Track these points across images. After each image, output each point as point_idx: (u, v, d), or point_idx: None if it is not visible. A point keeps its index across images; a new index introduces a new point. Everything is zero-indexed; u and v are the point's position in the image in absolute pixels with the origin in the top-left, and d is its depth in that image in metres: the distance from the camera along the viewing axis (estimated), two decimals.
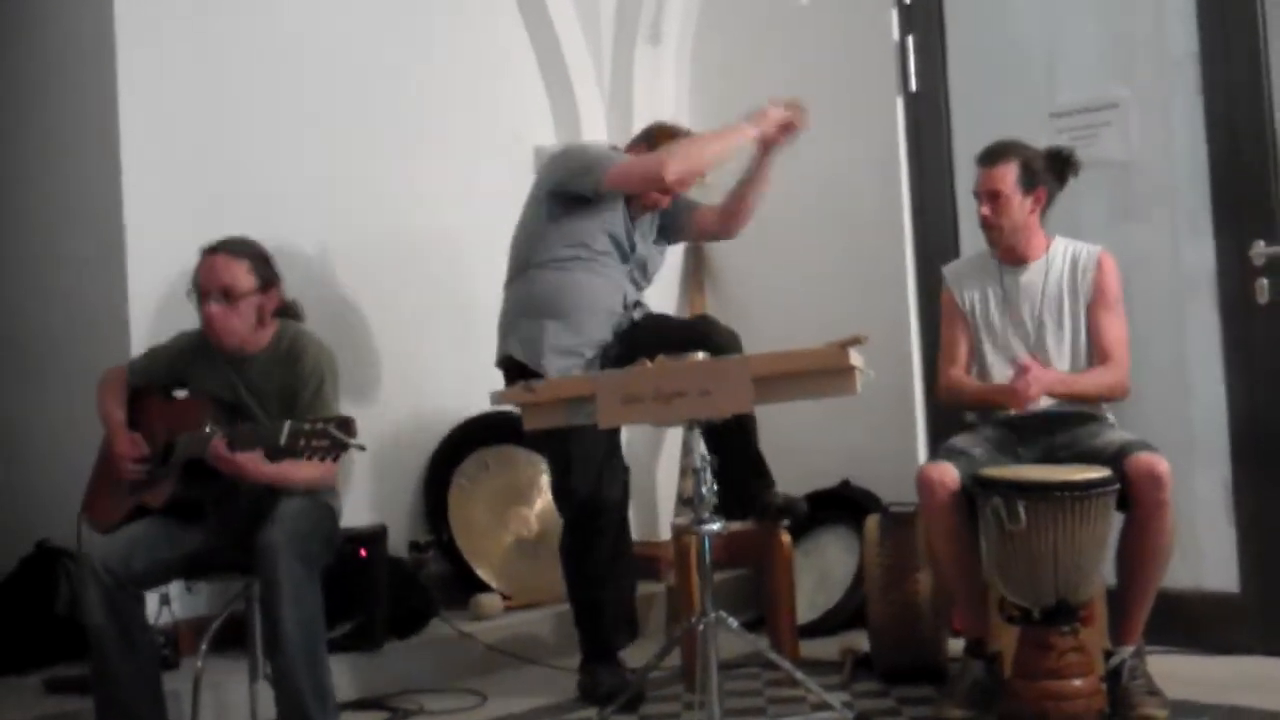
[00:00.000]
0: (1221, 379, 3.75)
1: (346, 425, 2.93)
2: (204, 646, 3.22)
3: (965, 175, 3.94)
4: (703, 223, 3.88)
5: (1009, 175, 3.41)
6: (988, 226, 3.45)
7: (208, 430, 3.10)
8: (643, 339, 3.54)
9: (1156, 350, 3.82)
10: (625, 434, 3.80)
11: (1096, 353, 3.38)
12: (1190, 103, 3.81)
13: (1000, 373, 3.42)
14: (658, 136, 3.76)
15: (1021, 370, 3.27)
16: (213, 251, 3.25)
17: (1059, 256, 3.46)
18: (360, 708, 3.62)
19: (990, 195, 3.41)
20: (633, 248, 3.70)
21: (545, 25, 4.82)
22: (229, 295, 3.20)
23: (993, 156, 3.45)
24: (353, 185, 4.25)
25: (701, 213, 3.87)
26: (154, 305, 3.75)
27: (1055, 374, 3.33)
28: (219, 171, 3.93)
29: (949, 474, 3.22)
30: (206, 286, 3.21)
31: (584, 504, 3.56)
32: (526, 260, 3.66)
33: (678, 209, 3.84)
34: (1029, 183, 3.42)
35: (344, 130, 4.24)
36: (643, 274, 3.79)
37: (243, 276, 3.22)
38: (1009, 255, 3.48)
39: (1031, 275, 3.45)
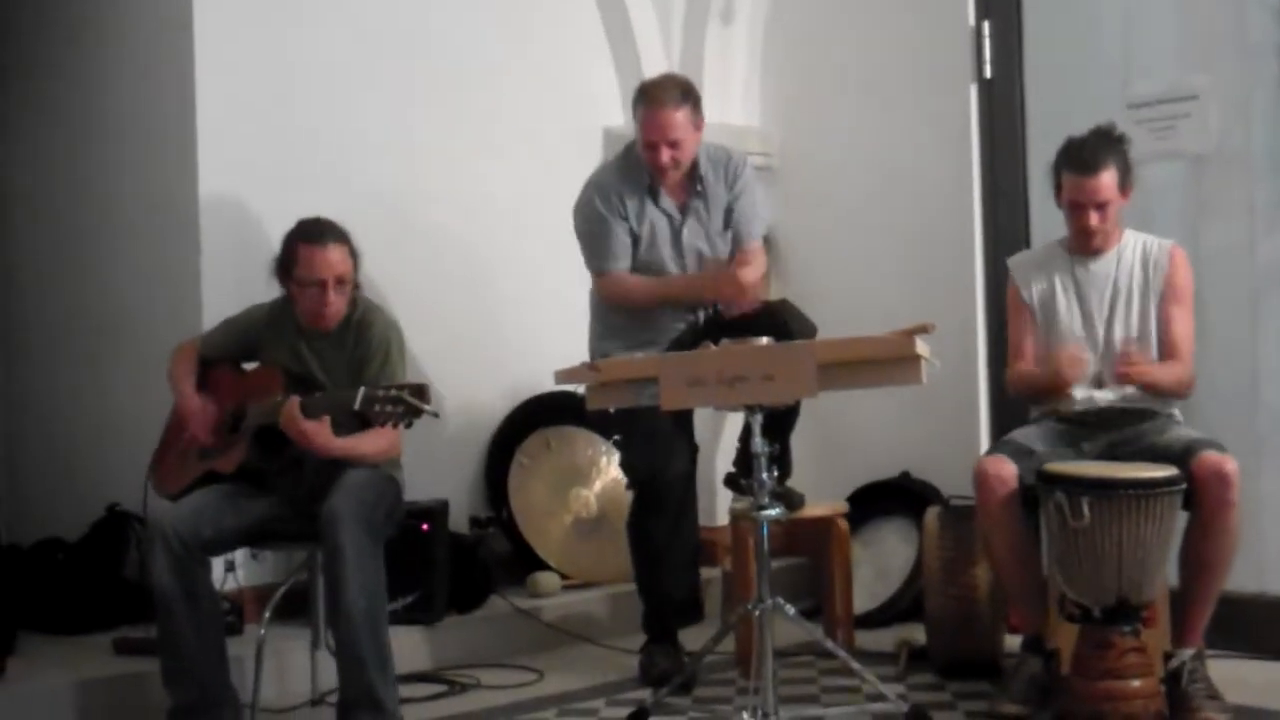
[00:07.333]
0: None
1: (421, 392, 2.97)
2: (268, 614, 3.26)
3: (1038, 164, 3.87)
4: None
5: (1113, 181, 3.29)
6: (1091, 234, 3.32)
7: (279, 399, 3.14)
8: (722, 325, 3.56)
9: (1228, 347, 3.75)
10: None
11: (1165, 347, 3.32)
12: (1271, 94, 3.73)
13: None
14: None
15: (1123, 354, 3.22)
16: (319, 240, 3.22)
17: (1129, 249, 3.39)
18: (418, 680, 3.65)
19: (1099, 205, 3.29)
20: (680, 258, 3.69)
21: (616, 4, 4.79)
22: (342, 282, 3.23)
23: (1095, 163, 3.27)
24: (423, 165, 4.27)
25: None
26: (226, 278, 3.80)
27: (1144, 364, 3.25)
28: (293, 150, 3.96)
29: (1006, 469, 3.19)
30: (324, 275, 3.20)
31: (643, 479, 3.57)
32: (591, 268, 3.73)
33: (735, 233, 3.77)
34: (1124, 182, 3.32)
35: (414, 110, 4.27)
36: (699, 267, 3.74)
37: (346, 262, 3.25)
38: (1083, 247, 3.42)
39: (1103, 265, 3.39)
